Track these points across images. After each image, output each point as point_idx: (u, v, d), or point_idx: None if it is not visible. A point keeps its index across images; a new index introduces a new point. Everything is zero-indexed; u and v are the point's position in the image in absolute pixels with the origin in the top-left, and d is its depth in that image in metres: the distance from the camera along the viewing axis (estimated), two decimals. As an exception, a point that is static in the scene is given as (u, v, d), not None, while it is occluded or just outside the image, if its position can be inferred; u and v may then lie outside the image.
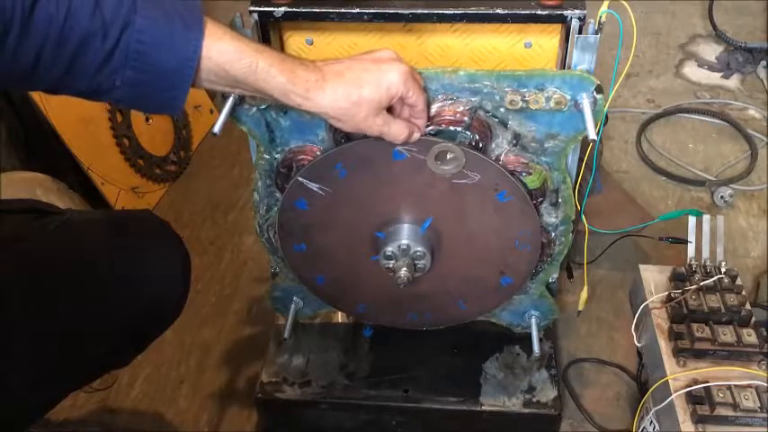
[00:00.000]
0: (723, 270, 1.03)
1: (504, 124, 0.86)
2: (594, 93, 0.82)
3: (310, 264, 1.05)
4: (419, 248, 0.93)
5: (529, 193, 0.89)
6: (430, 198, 0.91)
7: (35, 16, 0.61)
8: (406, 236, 0.93)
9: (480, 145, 0.86)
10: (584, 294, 1.06)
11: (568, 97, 0.82)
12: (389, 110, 0.80)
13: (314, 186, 0.92)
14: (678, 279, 1.03)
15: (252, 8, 0.87)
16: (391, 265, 0.94)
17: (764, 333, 0.95)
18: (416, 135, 0.82)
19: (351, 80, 0.74)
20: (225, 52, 0.68)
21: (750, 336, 0.94)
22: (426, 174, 0.87)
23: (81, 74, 0.65)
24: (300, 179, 0.93)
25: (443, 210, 0.92)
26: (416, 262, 0.94)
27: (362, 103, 0.74)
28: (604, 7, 0.79)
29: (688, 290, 1.00)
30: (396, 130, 0.79)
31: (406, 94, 0.77)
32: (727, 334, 0.94)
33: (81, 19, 0.62)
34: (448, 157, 0.85)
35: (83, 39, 0.63)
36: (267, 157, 0.92)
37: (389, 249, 0.93)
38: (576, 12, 0.84)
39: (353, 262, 1.00)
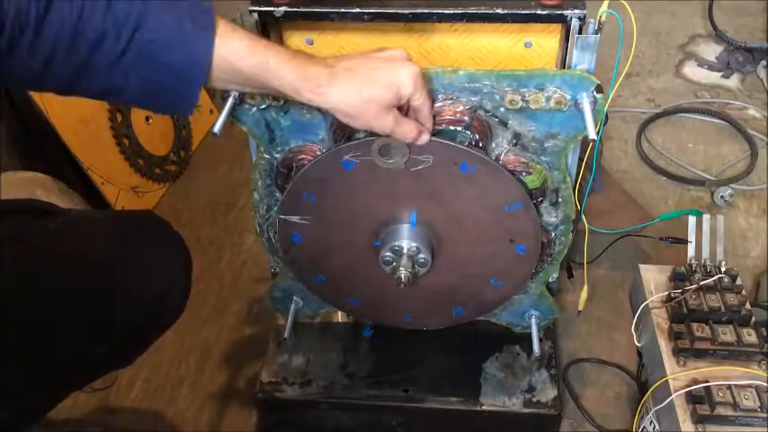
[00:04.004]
0: (723, 270, 1.03)
1: (504, 124, 0.86)
2: (594, 92, 0.82)
3: (337, 290, 1.06)
4: (412, 245, 0.92)
5: (496, 159, 0.88)
6: (401, 194, 0.90)
7: (49, 18, 0.61)
8: (397, 237, 0.93)
9: (480, 144, 0.86)
10: (584, 294, 1.06)
11: (568, 97, 0.82)
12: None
13: (295, 219, 0.93)
14: (678, 279, 1.03)
15: (252, 8, 0.87)
16: (393, 269, 0.94)
17: (764, 333, 0.95)
18: (425, 137, 0.81)
19: (363, 77, 0.74)
20: (236, 51, 0.68)
21: (750, 336, 0.94)
22: (383, 172, 0.87)
23: (93, 74, 0.65)
24: (282, 216, 0.95)
25: (421, 200, 0.91)
26: (416, 258, 0.93)
27: (373, 101, 0.74)
28: (604, 7, 0.79)
29: (688, 290, 1.00)
30: (406, 128, 0.79)
31: (413, 95, 0.77)
32: (727, 334, 0.94)
33: (93, 20, 0.63)
34: (391, 149, 0.84)
35: (95, 40, 0.63)
36: (267, 156, 0.92)
37: (385, 255, 0.93)
38: (576, 11, 0.84)
39: (376, 277, 0.98)
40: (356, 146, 0.85)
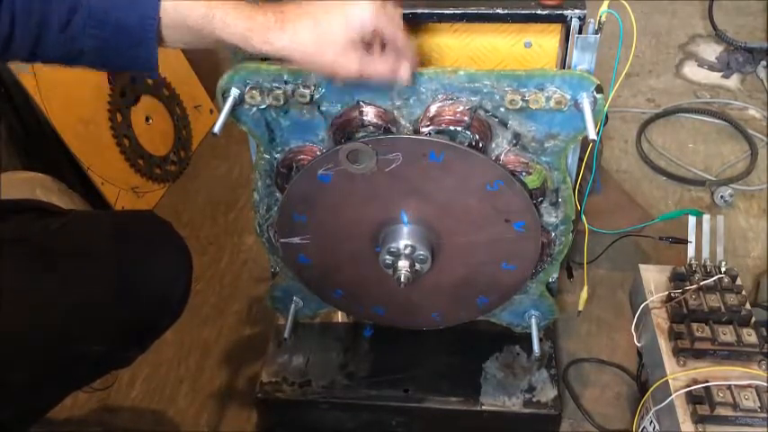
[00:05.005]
0: (723, 270, 1.03)
1: (504, 124, 0.86)
2: (594, 92, 0.82)
3: (358, 302, 1.06)
4: (407, 244, 0.92)
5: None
6: (385, 196, 0.90)
7: None
8: (393, 238, 0.93)
9: (480, 145, 0.86)
10: (584, 294, 1.06)
11: (568, 97, 0.82)
12: None
13: (295, 240, 0.93)
14: (678, 279, 1.03)
15: (252, 8, 0.87)
16: (393, 271, 0.94)
17: (764, 333, 0.95)
18: (405, 70, 0.75)
19: (314, 17, 0.70)
20: (179, 4, 0.68)
21: (750, 336, 0.94)
22: (361, 179, 0.87)
23: (49, 39, 0.67)
24: (282, 240, 0.95)
25: (406, 198, 0.91)
26: (414, 256, 0.93)
27: (330, 40, 0.71)
28: (604, 7, 0.79)
29: (688, 290, 1.00)
30: (375, 66, 0.74)
31: (379, 27, 0.72)
32: (727, 334, 0.94)
33: None
34: (359, 154, 0.84)
35: (45, 2, 0.65)
36: (267, 156, 0.92)
37: (384, 259, 0.93)
38: (576, 11, 0.84)
39: (391, 282, 0.96)
40: (325, 158, 0.86)
